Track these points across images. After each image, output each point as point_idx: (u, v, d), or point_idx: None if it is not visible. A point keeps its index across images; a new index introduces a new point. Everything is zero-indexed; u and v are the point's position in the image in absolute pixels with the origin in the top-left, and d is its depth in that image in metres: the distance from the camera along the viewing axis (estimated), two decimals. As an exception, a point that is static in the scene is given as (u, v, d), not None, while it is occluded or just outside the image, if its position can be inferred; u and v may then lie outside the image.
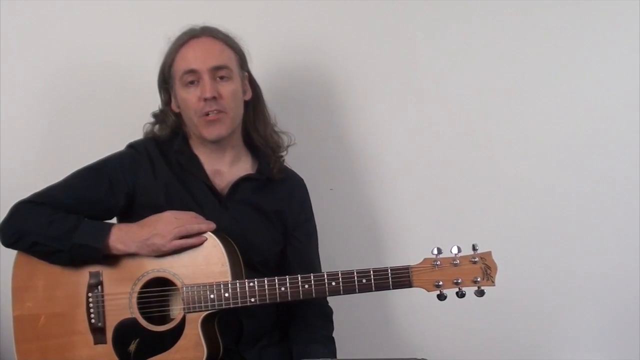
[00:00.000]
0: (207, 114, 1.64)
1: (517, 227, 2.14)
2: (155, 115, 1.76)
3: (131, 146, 1.74)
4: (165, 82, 1.72)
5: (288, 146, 1.79)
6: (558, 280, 2.16)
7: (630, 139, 2.12)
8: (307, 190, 1.84)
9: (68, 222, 1.58)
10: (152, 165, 1.70)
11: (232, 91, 1.65)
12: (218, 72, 1.65)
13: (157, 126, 1.76)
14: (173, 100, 1.72)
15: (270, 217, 1.74)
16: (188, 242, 1.56)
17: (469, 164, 2.15)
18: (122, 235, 1.57)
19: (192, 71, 1.64)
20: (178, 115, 1.73)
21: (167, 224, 1.56)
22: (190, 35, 1.68)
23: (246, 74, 1.74)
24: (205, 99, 1.62)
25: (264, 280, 1.52)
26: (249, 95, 1.74)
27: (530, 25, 2.13)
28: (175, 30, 1.70)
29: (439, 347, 2.13)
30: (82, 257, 1.57)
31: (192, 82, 1.65)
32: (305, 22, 2.14)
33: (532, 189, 2.15)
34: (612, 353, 2.16)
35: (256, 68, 1.77)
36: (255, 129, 1.76)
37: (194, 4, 2.02)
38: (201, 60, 1.64)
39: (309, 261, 1.78)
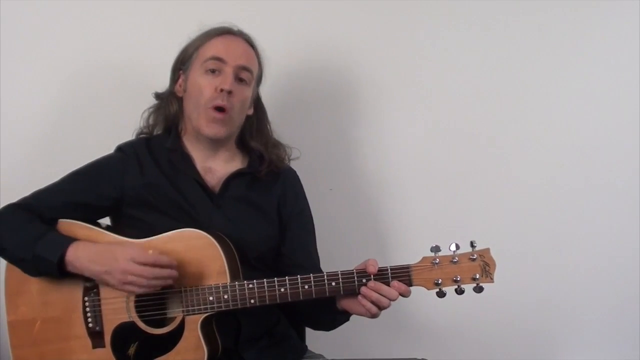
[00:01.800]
0: (216, 108, 1.68)
1: (516, 224, 2.22)
2: (158, 96, 1.82)
3: (120, 149, 1.79)
4: (182, 63, 1.77)
5: (290, 160, 1.86)
6: (558, 280, 2.24)
7: (630, 139, 2.20)
8: (299, 180, 1.89)
9: (35, 231, 1.61)
10: (140, 167, 1.74)
11: (244, 96, 1.73)
12: (241, 73, 1.72)
13: (154, 116, 1.81)
14: (181, 82, 1.77)
15: (265, 211, 1.79)
16: (138, 291, 1.56)
17: (468, 162, 2.23)
18: (78, 257, 1.58)
19: (219, 59, 1.70)
20: (180, 101, 1.78)
21: (120, 269, 1.54)
22: (228, 31, 1.76)
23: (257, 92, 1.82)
24: (222, 90, 1.67)
25: (264, 282, 1.56)
26: (250, 112, 1.81)
27: (533, 29, 2.21)
28: (178, 31, 1.77)
29: (439, 347, 2.20)
30: (43, 270, 1.60)
31: (213, 71, 1.70)
32: (308, 21, 2.21)
33: (531, 186, 2.23)
34: (612, 353, 2.24)
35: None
36: (256, 142, 1.82)
37: (195, 4, 2.08)
38: (233, 55, 1.71)
39: (307, 251, 1.84)
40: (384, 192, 2.25)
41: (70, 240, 1.61)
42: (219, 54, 1.70)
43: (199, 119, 1.71)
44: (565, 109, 2.22)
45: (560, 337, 2.27)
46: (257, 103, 1.85)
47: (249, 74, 1.73)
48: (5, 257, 1.65)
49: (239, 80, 1.72)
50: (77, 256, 1.58)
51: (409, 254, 2.05)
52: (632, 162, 2.21)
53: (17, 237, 1.61)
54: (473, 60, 2.21)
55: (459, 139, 2.23)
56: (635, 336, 2.23)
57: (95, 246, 1.60)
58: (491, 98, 2.22)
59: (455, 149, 2.23)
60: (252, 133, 1.84)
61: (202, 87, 1.70)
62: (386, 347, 2.21)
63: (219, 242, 1.60)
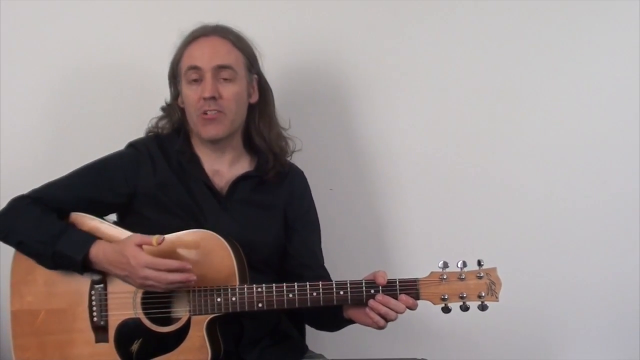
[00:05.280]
0: (206, 113, 1.75)
1: (517, 225, 2.30)
2: (163, 109, 1.89)
3: (132, 145, 1.86)
4: (174, 77, 1.84)
5: (293, 152, 1.93)
6: (558, 280, 2.32)
7: (632, 143, 2.27)
8: (306, 181, 1.97)
9: (54, 227, 1.70)
10: (153, 164, 1.82)
11: (234, 93, 1.78)
12: (221, 73, 1.77)
13: (162, 122, 1.88)
14: (180, 95, 1.84)
15: (271, 214, 1.87)
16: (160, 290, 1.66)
17: (474, 166, 2.29)
18: (100, 259, 1.67)
19: (195, 68, 1.76)
20: (183, 111, 1.85)
21: (138, 275, 1.63)
22: (201, 33, 1.80)
23: (255, 76, 1.85)
24: (205, 99, 1.74)
25: (272, 287, 1.64)
26: (254, 99, 1.86)
27: (535, 29, 2.26)
28: (182, 28, 1.82)
29: (439, 347, 2.28)
30: (63, 266, 1.70)
31: (195, 80, 1.77)
32: (313, 21, 2.27)
33: (532, 188, 2.30)
34: (612, 353, 2.32)
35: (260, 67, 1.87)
36: (259, 132, 1.88)
37: (201, 4, 2.13)
38: (206, 59, 1.76)
39: (313, 251, 1.92)
40: (385, 193, 2.32)
41: (92, 239, 1.70)
42: (194, 62, 1.77)
43: (197, 127, 1.79)
44: (575, 120, 2.28)
45: (560, 338, 2.36)
46: (261, 86, 1.88)
47: (229, 70, 1.77)
48: (21, 250, 1.72)
49: (224, 79, 1.77)
50: (99, 257, 1.67)
51: (409, 256, 2.16)
52: (633, 165, 2.28)
53: (35, 232, 1.69)
54: (483, 65, 2.27)
55: (463, 140, 2.29)
56: (635, 337, 2.31)
57: (111, 247, 1.67)
58: (495, 101, 2.28)
59: (463, 154, 2.29)
60: (256, 121, 1.88)
61: (189, 98, 1.78)
62: (386, 347, 2.29)
63: (229, 244, 1.68)
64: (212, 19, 1.82)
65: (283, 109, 1.97)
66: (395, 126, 2.31)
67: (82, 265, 1.67)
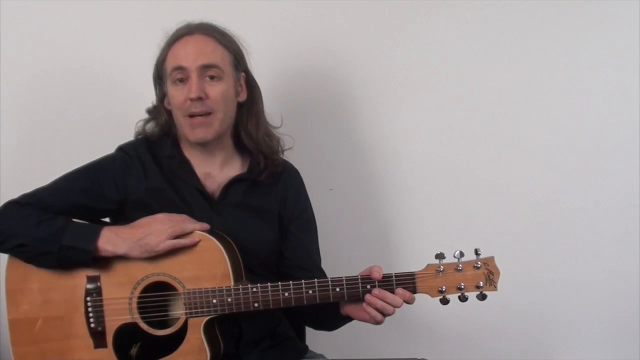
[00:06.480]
0: (193, 116, 1.72)
1: (517, 225, 2.31)
2: (148, 111, 1.86)
3: (121, 149, 1.83)
4: (160, 77, 1.81)
5: (283, 151, 1.88)
6: (558, 280, 2.32)
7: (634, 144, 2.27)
8: (302, 180, 1.93)
9: (56, 223, 1.68)
10: (143, 169, 1.79)
11: (221, 92, 1.74)
12: (207, 72, 1.73)
13: (149, 124, 1.85)
14: (166, 97, 1.81)
15: (265, 216, 1.84)
16: (181, 242, 1.66)
17: (473, 165, 2.30)
18: (112, 237, 1.67)
19: (180, 68, 1.72)
20: (169, 113, 1.81)
21: (160, 224, 1.67)
22: (184, 32, 1.76)
23: (243, 74, 1.81)
24: (191, 99, 1.70)
25: (268, 286, 1.63)
26: (243, 97, 1.82)
27: (537, 30, 2.27)
28: (166, 28, 1.80)
29: (439, 347, 2.28)
30: (70, 260, 1.67)
31: (181, 80, 1.73)
32: (311, 21, 2.27)
33: (532, 188, 2.30)
34: (612, 353, 2.33)
35: (258, 66, 1.86)
36: (247, 131, 1.83)
37: (194, 2, 2.12)
38: (191, 58, 1.72)
39: (308, 252, 1.89)
40: (385, 192, 2.32)
41: (97, 226, 1.69)
42: (179, 62, 1.73)
43: (184, 129, 1.76)
44: (571, 115, 2.29)
45: (560, 338, 2.36)
46: (248, 83, 1.84)
47: (215, 69, 1.73)
48: (20, 253, 1.69)
49: (210, 78, 1.73)
50: (109, 237, 1.67)
51: (410, 256, 2.15)
52: (633, 164, 2.29)
53: (36, 231, 1.66)
54: (475, 62, 2.28)
55: (467, 143, 2.30)
56: (635, 337, 2.31)
57: (125, 226, 1.71)
58: (494, 100, 2.29)
59: (462, 151, 2.30)
60: (244, 120, 1.84)
61: (175, 99, 1.75)
62: (386, 347, 2.29)
63: (223, 245, 1.67)
64: (202, 18, 1.81)
65: (283, 108, 1.96)
66: (396, 126, 2.31)
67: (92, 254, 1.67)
